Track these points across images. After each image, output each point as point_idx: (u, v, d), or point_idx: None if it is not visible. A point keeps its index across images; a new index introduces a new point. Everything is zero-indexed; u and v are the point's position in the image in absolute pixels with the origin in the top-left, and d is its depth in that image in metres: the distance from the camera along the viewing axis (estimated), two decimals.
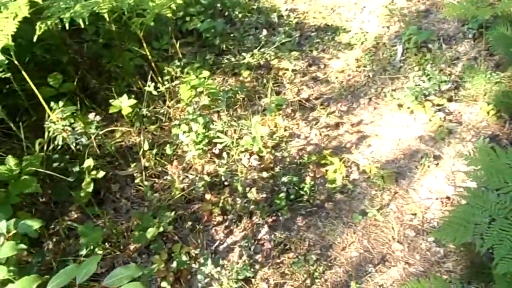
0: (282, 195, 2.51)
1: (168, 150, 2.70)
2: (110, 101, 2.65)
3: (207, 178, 2.54)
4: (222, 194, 2.55)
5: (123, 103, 2.65)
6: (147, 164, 2.70)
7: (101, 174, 2.37)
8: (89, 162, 2.36)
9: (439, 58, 3.40)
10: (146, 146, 2.64)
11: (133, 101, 2.67)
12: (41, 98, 2.28)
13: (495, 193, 1.56)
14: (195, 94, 2.89)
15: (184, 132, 2.66)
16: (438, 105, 3.05)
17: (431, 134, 2.94)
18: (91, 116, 2.43)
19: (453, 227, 1.51)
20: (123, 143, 2.89)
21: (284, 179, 2.59)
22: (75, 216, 2.50)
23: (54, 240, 2.38)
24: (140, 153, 2.70)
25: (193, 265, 2.22)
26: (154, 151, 2.74)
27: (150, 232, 2.17)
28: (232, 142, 2.70)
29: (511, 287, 1.55)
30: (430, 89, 2.99)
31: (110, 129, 2.81)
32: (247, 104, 3.18)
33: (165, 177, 2.68)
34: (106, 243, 2.32)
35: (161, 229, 2.22)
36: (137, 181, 2.58)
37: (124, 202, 2.58)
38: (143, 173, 2.61)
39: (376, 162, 2.79)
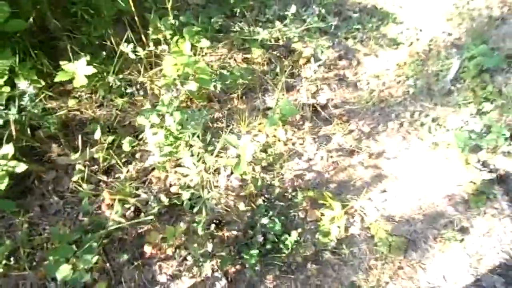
0: (256, 242, 1.92)
1: (126, 146, 2.04)
2: (61, 62, 1.93)
3: (165, 199, 1.92)
4: (179, 222, 1.95)
5: (79, 69, 1.94)
6: (95, 155, 2.06)
7: (22, 168, 1.73)
8: (7, 150, 1.71)
9: (505, 97, 2.60)
10: (98, 134, 1.98)
11: (92, 70, 1.95)
12: None
13: None
14: (180, 75, 2.17)
15: (152, 125, 2.00)
16: (485, 162, 2.34)
17: (465, 196, 2.29)
18: (23, 85, 1.73)
19: None
20: (75, 114, 2.22)
21: (265, 220, 1.99)
22: None
23: None
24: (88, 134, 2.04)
25: None
26: (110, 138, 2.09)
27: (62, 271, 1.58)
28: (199, 174, 2.03)
29: None
30: (484, 142, 2.27)
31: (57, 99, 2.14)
32: (247, 96, 2.48)
33: (114, 176, 2.06)
34: (12, 258, 1.76)
35: (80, 267, 1.64)
36: (76, 178, 1.95)
37: (56, 200, 1.98)
38: (86, 169, 1.98)
39: (386, 219, 2.17)
